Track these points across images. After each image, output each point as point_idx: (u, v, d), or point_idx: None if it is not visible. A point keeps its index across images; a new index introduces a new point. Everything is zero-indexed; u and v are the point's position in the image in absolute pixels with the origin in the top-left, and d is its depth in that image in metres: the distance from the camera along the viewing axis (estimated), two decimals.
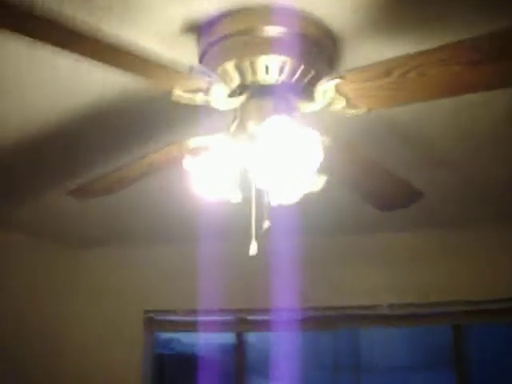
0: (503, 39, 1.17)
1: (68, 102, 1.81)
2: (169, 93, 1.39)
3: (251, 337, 3.86)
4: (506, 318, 3.35)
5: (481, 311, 3.31)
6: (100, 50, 1.17)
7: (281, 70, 1.44)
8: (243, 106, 1.49)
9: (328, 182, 1.50)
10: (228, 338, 4.04)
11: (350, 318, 3.46)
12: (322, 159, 1.33)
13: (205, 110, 1.55)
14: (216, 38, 1.46)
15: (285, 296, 3.14)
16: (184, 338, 4.69)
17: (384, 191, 2.01)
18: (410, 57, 1.23)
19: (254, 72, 1.44)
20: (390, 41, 1.52)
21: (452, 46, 1.20)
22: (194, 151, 1.57)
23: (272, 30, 1.43)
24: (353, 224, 3.05)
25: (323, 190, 1.50)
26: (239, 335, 3.72)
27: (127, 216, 3.11)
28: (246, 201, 1.54)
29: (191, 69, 1.32)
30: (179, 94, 1.38)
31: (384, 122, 1.95)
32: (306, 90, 1.50)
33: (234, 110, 1.56)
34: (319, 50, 1.49)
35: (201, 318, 3.72)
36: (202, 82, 1.37)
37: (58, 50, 1.18)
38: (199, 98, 1.41)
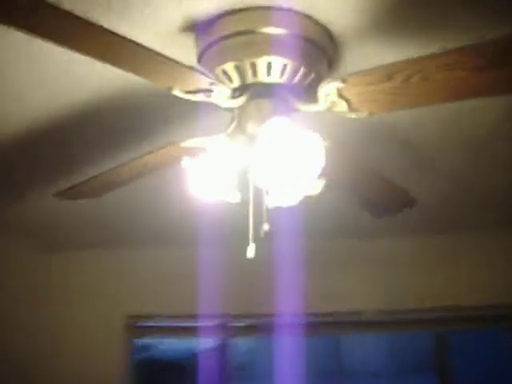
0: (508, 45, 1.17)
1: (63, 99, 1.77)
2: (167, 90, 1.38)
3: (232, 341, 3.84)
4: (491, 324, 3.38)
5: (466, 318, 3.32)
6: (100, 46, 1.14)
7: (281, 72, 1.42)
8: (242, 107, 1.47)
9: (326, 186, 1.48)
10: (207, 343, 4.02)
11: (336, 324, 3.45)
12: (323, 162, 1.31)
13: (203, 107, 1.53)
14: (216, 38, 1.44)
15: (278, 301, 3.12)
16: (161, 343, 4.64)
17: (378, 196, 2.01)
18: (413, 61, 1.23)
19: (254, 73, 1.43)
20: (391, 44, 1.51)
21: (457, 50, 1.19)
22: (192, 152, 1.55)
23: (273, 31, 1.41)
24: (348, 229, 3.04)
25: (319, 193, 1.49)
26: (224, 341, 3.69)
27: (111, 219, 3.07)
28: (243, 203, 1.52)
29: (193, 68, 1.30)
30: (179, 93, 1.36)
31: (383, 127, 1.95)
32: (307, 92, 1.49)
33: (233, 110, 1.54)
34: (320, 51, 1.48)
35: (186, 324, 3.68)
36: (203, 83, 1.34)
37: (55, 46, 1.16)
38: (199, 98, 1.39)
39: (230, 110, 1.54)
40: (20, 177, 2.35)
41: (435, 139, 2.03)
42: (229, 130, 1.54)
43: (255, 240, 1.49)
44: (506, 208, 2.76)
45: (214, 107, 1.55)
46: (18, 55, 1.52)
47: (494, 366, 4.72)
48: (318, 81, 1.47)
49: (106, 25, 1.33)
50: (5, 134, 2.00)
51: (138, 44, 1.17)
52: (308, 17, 1.44)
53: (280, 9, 1.42)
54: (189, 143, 1.58)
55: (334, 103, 1.37)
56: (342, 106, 1.38)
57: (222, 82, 1.42)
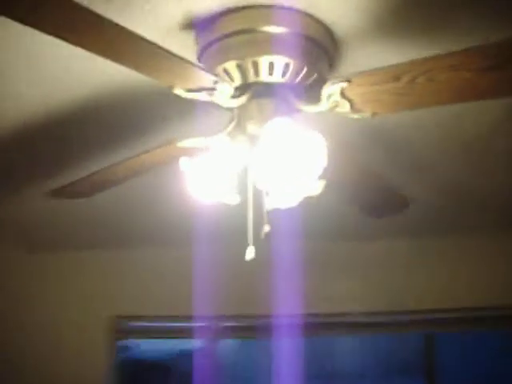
0: None
1: (59, 96, 1.74)
2: (165, 87, 1.35)
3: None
4: (481, 326, 3.40)
5: (453, 320, 3.33)
6: (103, 39, 1.11)
7: (284, 71, 1.40)
8: (243, 106, 1.45)
9: (325, 186, 1.47)
10: (194, 344, 3.99)
11: (326, 325, 3.44)
12: (326, 163, 1.30)
13: (201, 106, 1.51)
14: (217, 35, 1.42)
15: (273, 302, 3.10)
16: (146, 343, 4.58)
17: (377, 197, 2.00)
18: (419, 62, 1.22)
19: (256, 72, 1.40)
20: (393, 44, 1.50)
21: (462, 52, 1.19)
22: (190, 152, 1.53)
23: (275, 30, 1.39)
24: (346, 230, 3.03)
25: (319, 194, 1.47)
26: (212, 342, 3.66)
27: (100, 220, 3.02)
28: (242, 203, 1.50)
29: (197, 66, 1.28)
30: (180, 92, 1.33)
31: (383, 128, 1.94)
32: (309, 92, 1.47)
33: (232, 110, 1.52)
34: (321, 51, 1.46)
35: (173, 325, 3.65)
36: (206, 81, 1.32)
37: (54, 41, 1.13)
38: (201, 97, 1.36)
39: (229, 109, 1.52)
40: (15, 175, 2.31)
41: (436, 140, 2.03)
42: (228, 130, 1.51)
43: (253, 241, 1.47)
44: (506, 209, 2.77)
45: (212, 106, 1.53)
46: (16, 51, 1.48)
47: (483, 367, 4.75)
48: (320, 81, 1.46)
49: None
50: (1, 129, 1.96)
51: (141, 38, 1.14)
52: (310, 16, 1.42)
53: (282, 7, 1.40)
54: (187, 143, 1.55)
55: (337, 103, 1.36)
56: (345, 107, 1.36)
57: (223, 80, 1.39)
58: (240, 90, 1.44)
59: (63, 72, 1.59)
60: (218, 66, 1.42)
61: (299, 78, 1.42)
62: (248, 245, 1.46)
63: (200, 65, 1.44)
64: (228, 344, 4.21)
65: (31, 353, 3.50)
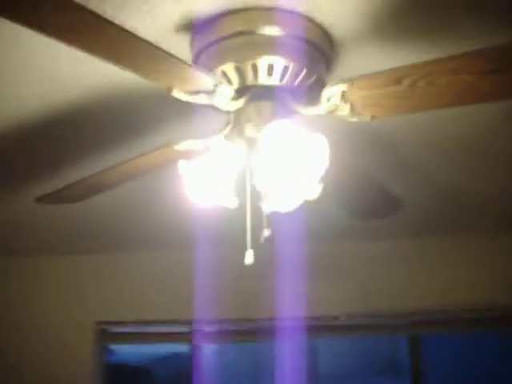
0: None
1: (55, 97, 1.71)
2: (162, 89, 1.33)
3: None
4: (463, 327, 3.42)
5: (438, 321, 3.35)
6: (102, 40, 1.09)
7: (282, 74, 1.39)
8: (240, 109, 1.43)
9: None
10: (179, 348, 3.96)
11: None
12: (327, 166, 1.29)
13: (198, 108, 1.49)
14: (215, 37, 1.40)
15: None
16: (126, 348, 4.55)
17: (368, 200, 2.00)
18: (419, 65, 1.21)
19: (254, 75, 1.39)
20: (392, 48, 1.50)
21: (463, 55, 1.18)
22: (187, 154, 1.51)
23: (274, 32, 1.38)
24: (340, 232, 3.03)
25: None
26: (195, 347, 3.63)
27: (85, 224, 2.98)
28: (240, 206, 1.48)
29: (197, 67, 1.26)
30: (178, 95, 1.31)
31: (381, 131, 1.94)
32: (307, 95, 1.46)
33: (228, 113, 1.50)
34: (320, 53, 1.45)
35: (155, 330, 3.62)
36: (206, 83, 1.30)
37: (50, 41, 1.11)
38: (199, 100, 1.34)
39: (226, 111, 1.50)
40: (7, 176, 2.26)
41: (434, 142, 2.03)
42: (225, 133, 1.50)
43: (252, 244, 1.46)
44: (504, 211, 2.79)
45: (208, 108, 1.52)
46: (11, 51, 1.45)
47: (469, 368, 4.79)
48: (319, 83, 1.45)
49: None
50: None
51: (141, 39, 1.12)
52: (309, 18, 1.41)
53: (282, 10, 1.38)
54: (183, 146, 1.53)
55: (336, 106, 1.35)
56: (345, 110, 1.35)
57: (222, 83, 1.38)
58: (238, 93, 1.42)
59: (58, 73, 1.56)
60: (216, 68, 1.41)
61: (298, 80, 1.41)
62: (246, 249, 1.45)
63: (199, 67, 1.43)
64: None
65: (20, 354, 3.47)
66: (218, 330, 3.52)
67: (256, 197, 1.44)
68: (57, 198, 1.75)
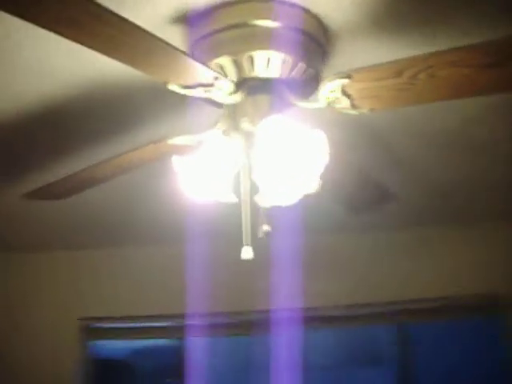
0: None
1: (47, 89, 1.67)
2: (156, 81, 1.30)
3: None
4: (450, 315, 3.46)
5: (424, 310, 3.38)
6: (100, 33, 1.05)
7: (280, 66, 1.37)
8: (238, 103, 1.41)
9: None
10: (163, 342, 3.94)
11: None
12: (327, 161, 1.28)
13: (192, 101, 1.46)
14: (211, 30, 1.38)
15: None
16: (110, 343, 4.50)
17: (361, 192, 1.99)
18: (421, 57, 1.21)
19: (251, 67, 1.37)
20: (389, 40, 1.49)
21: (464, 48, 1.18)
22: (182, 149, 1.48)
23: (270, 24, 1.36)
24: (316, 224, 3.02)
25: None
26: (181, 341, 3.61)
27: (70, 220, 2.94)
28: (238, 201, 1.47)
29: (196, 60, 1.23)
30: (175, 88, 1.29)
31: (380, 125, 1.94)
32: (304, 88, 1.45)
33: (223, 106, 1.48)
34: (316, 45, 1.43)
35: (142, 325, 3.58)
36: (206, 76, 1.28)
37: (42, 32, 1.07)
38: (197, 93, 1.32)
39: (221, 105, 1.48)
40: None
41: (425, 136, 2.04)
42: (220, 127, 1.47)
43: (239, 239, 1.44)
44: (492, 201, 2.82)
45: (202, 101, 1.49)
46: (6, 44, 1.41)
47: (456, 357, 4.84)
48: (316, 76, 1.44)
49: None
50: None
51: (142, 28, 1.08)
52: (304, 9, 1.40)
53: (277, 1, 1.37)
54: (178, 140, 1.50)
55: (335, 99, 1.33)
56: (344, 103, 1.34)
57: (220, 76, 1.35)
58: (235, 86, 1.39)
59: (50, 66, 1.53)
60: (211, 61, 1.38)
61: (295, 73, 1.40)
62: (243, 244, 1.43)
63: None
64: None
65: (17, 353, 3.41)
66: (212, 323, 3.50)
67: (252, 192, 1.43)
68: (48, 192, 1.71)
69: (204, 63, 1.38)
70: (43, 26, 0.98)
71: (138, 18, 1.36)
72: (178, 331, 3.54)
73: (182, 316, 3.35)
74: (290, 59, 1.37)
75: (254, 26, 1.35)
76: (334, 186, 1.84)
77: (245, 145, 1.41)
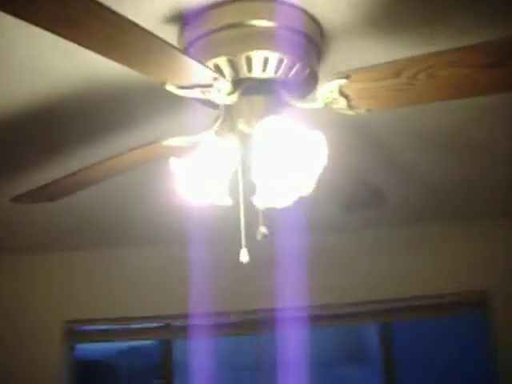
0: None
1: (41, 88, 1.64)
2: (151, 82, 1.28)
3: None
4: (434, 314, 3.46)
5: (409, 308, 3.38)
6: (102, 33, 1.03)
7: (277, 66, 1.35)
8: (234, 103, 1.39)
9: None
10: (147, 343, 3.91)
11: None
12: (326, 163, 1.26)
13: (188, 101, 1.45)
14: (207, 30, 1.36)
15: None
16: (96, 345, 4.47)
17: (356, 193, 1.98)
18: (420, 57, 1.19)
19: (248, 68, 1.35)
20: (386, 40, 1.48)
21: (464, 48, 1.17)
22: (178, 150, 1.46)
23: (267, 24, 1.34)
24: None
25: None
26: (166, 342, 3.59)
27: (54, 222, 2.91)
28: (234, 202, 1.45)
29: (195, 59, 1.21)
30: (172, 89, 1.27)
31: (378, 125, 1.92)
32: (301, 88, 1.43)
33: (219, 107, 1.46)
34: (313, 46, 1.42)
35: (126, 326, 3.56)
36: (204, 77, 1.26)
37: (36, 30, 1.04)
38: (194, 94, 1.30)
39: (216, 106, 1.46)
40: None
41: (426, 136, 2.03)
42: (215, 128, 1.45)
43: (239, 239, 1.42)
44: (488, 199, 2.82)
45: (198, 102, 1.47)
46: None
47: (440, 355, 4.85)
48: (313, 76, 1.43)
49: None
50: None
51: (141, 27, 1.06)
52: (301, 9, 1.38)
53: (274, 1, 1.35)
54: (173, 141, 1.48)
55: (332, 100, 1.32)
56: (341, 103, 1.32)
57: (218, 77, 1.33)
58: (232, 87, 1.38)
59: (44, 64, 1.50)
60: (208, 61, 1.36)
61: (292, 73, 1.38)
62: (241, 246, 1.41)
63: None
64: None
65: (10, 353, 3.39)
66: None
67: (249, 193, 1.41)
68: (40, 195, 1.68)
69: (200, 63, 1.37)
70: (39, 25, 0.95)
71: (134, 17, 1.35)
72: (170, 332, 3.54)
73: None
74: (286, 59, 1.35)
75: (251, 26, 1.34)
76: (331, 187, 1.83)
77: (241, 146, 1.40)
